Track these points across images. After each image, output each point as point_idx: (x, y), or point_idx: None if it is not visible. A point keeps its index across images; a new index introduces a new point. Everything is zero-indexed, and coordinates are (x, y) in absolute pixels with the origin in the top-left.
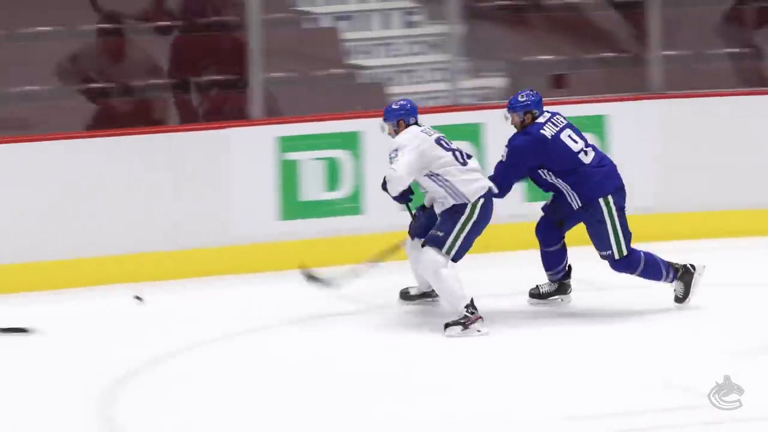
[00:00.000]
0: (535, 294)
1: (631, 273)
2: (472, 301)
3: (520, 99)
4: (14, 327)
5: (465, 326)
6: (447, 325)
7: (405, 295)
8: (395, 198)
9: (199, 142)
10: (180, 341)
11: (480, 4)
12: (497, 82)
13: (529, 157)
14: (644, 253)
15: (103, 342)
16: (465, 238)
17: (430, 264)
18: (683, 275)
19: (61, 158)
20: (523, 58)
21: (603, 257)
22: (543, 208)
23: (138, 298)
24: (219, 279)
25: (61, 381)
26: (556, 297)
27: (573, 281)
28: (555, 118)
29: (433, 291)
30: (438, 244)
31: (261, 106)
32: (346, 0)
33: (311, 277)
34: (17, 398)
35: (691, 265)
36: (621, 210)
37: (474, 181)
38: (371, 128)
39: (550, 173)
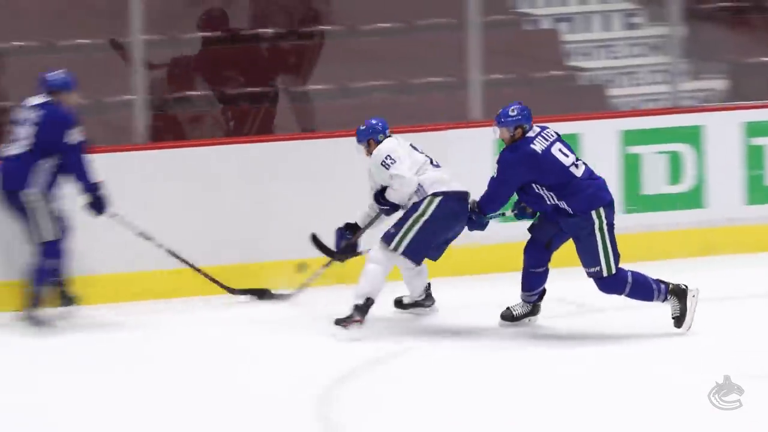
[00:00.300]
0: (508, 316)
1: (620, 293)
2: (367, 305)
3: (510, 113)
4: (257, 289)
5: (344, 326)
6: (336, 321)
7: (398, 304)
8: (390, 208)
9: (417, 143)
10: (399, 343)
11: (701, 5)
12: (718, 84)
13: (521, 173)
14: (632, 272)
15: (322, 341)
16: (416, 235)
17: (368, 258)
18: (674, 290)
19: (267, 159)
20: (745, 60)
21: (590, 275)
22: (530, 230)
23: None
24: (451, 280)
25: (280, 378)
26: (527, 318)
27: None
28: (545, 132)
29: (426, 300)
30: (388, 239)
31: (480, 108)
32: (566, 2)
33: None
34: (238, 393)
35: (684, 285)
36: (611, 226)
37: (436, 182)
38: (590, 131)
39: (542, 188)
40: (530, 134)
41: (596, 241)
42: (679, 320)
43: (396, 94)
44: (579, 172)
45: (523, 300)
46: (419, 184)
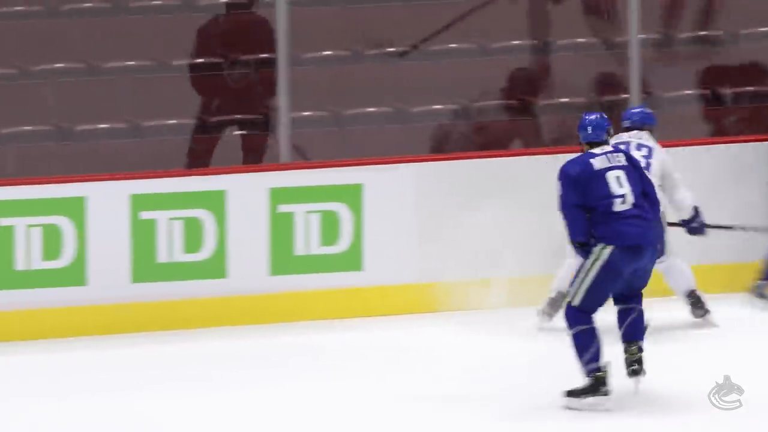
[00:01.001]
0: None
1: (567, 328)
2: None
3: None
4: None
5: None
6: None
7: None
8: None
9: None
10: None
11: None
12: None
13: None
14: (595, 327)
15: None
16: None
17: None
18: (598, 379)
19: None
20: None
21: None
22: None
23: None
24: None
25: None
26: None
27: None
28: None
29: (696, 308)
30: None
31: None
32: None
33: None
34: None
35: (607, 391)
36: (610, 270)
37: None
38: None
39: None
40: (597, 150)
41: (581, 269)
42: (574, 394)
43: None
44: (620, 208)
45: None
46: None
